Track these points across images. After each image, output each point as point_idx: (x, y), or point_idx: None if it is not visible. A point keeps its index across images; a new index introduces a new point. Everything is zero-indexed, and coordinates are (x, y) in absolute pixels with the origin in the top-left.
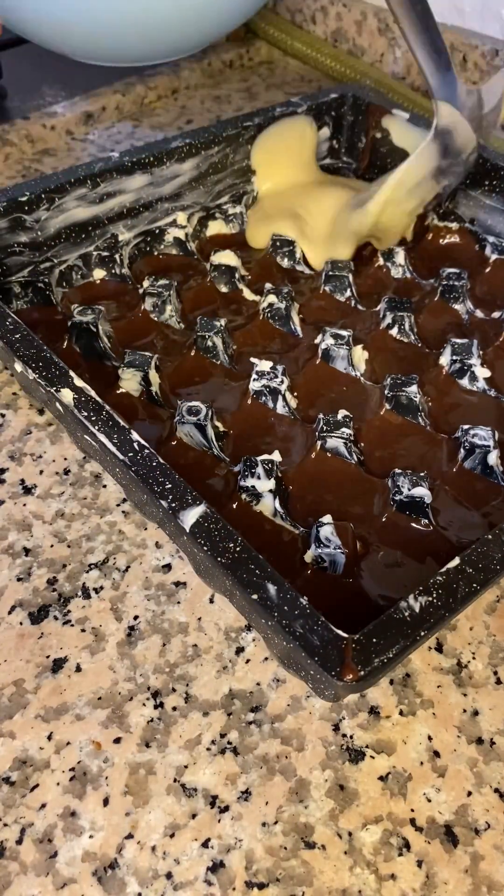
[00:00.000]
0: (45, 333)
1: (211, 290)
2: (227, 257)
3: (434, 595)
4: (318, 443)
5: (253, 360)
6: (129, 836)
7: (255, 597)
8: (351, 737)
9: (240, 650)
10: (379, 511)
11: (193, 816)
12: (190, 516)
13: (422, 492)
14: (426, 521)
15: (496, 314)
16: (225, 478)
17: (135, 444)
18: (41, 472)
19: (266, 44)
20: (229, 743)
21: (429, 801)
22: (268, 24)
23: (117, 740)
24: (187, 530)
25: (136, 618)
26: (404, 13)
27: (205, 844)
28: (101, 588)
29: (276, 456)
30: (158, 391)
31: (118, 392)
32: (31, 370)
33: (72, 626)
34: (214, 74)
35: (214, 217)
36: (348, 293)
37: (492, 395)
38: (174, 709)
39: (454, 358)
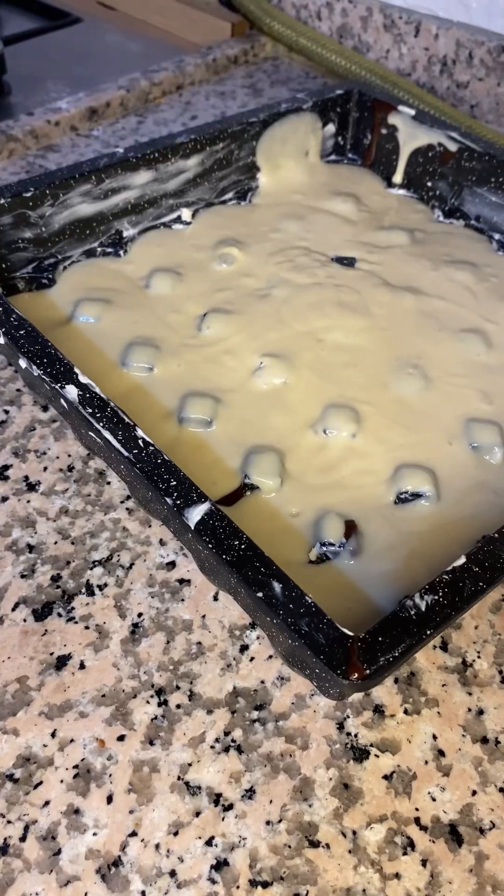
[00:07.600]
0: None
1: None
2: None
3: (440, 594)
4: None
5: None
6: (133, 834)
7: (260, 594)
8: (355, 735)
9: (244, 648)
10: None
11: (197, 814)
12: (195, 513)
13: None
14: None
15: None
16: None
17: (139, 441)
18: (45, 468)
19: (271, 40)
20: (233, 741)
21: (433, 800)
22: (272, 20)
23: (121, 738)
24: (192, 527)
25: (139, 615)
26: None
27: (209, 842)
28: (105, 585)
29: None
30: None
31: None
32: (36, 366)
33: (75, 623)
34: (219, 70)
35: None
36: None
37: None
38: (178, 706)
39: None
